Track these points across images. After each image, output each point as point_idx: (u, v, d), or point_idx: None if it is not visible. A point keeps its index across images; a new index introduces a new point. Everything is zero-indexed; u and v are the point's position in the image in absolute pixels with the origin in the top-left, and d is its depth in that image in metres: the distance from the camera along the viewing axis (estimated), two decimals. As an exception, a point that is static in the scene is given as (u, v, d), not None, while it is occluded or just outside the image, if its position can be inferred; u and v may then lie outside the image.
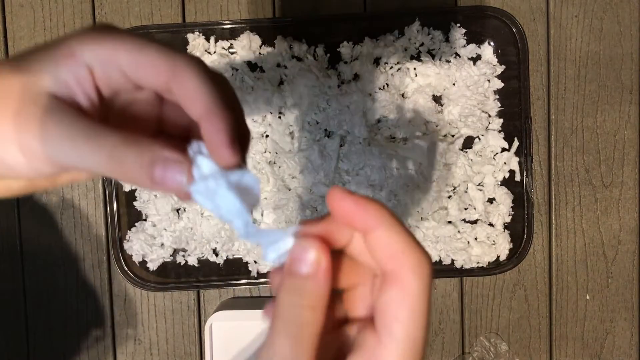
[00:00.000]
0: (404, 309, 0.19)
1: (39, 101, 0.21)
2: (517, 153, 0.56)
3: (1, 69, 0.21)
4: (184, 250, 0.57)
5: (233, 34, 0.55)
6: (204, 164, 0.21)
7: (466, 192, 0.56)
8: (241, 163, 0.22)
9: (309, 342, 0.20)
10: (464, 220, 0.56)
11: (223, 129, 0.21)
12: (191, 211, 0.55)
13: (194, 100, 0.21)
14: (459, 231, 0.56)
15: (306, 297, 0.20)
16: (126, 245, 0.56)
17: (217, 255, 0.57)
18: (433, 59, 0.56)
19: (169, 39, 0.55)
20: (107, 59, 0.21)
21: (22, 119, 0.21)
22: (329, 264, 0.20)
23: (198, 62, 0.22)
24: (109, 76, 0.22)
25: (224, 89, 0.22)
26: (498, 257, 0.56)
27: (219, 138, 0.21)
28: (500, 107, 0.56)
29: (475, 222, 0.56)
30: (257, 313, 0.55)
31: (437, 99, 0.56)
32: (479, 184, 0.56)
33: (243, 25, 0.55)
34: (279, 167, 0.55)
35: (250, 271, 0.57)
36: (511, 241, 0.56)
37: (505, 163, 0.56)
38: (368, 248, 0.21)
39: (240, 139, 0.22)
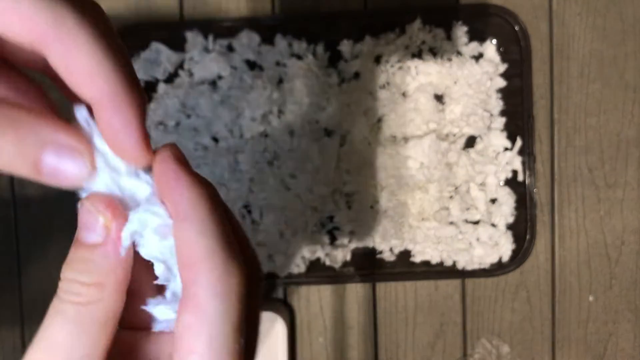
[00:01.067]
0: (200, 341, 0.14)
1: None
2: (519, 152, 0.55)
3: None
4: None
5: (232, 32, 0.55)
6: (107, 152, 0.16)
7: (468, 192, 0.55)
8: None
9: (96, 331, 0.15)
10: (465, 220, 0.56)
11: (132, 123, 0.15)
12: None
13: (86, 79, 0.15)
14: (460, 232, 0.55)
15: (92, 271, 0.16)
16: (123, 246, 0.55)
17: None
18: (435, 57, 0.55)
19: (167, 38, 0.54)
20: None
21: None
22: (120, 232, 0.16)
23: (94, 18, 0.15)
24: None
25: (124, 54, 0.16)
26: (500, 258, 0.55)
27: (127, 135, 0.15)
28: (502, 106, 0.55)
29: (477, 222, 0.56)
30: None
31: (438, 98, 0.55)
32: (481, 184, 0.55)
33: (242, 23, 0.54)
34: (279, 166, 0.54)
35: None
36: (514, 242, 0.55)
37: (507, 163, 0.55)
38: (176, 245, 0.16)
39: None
